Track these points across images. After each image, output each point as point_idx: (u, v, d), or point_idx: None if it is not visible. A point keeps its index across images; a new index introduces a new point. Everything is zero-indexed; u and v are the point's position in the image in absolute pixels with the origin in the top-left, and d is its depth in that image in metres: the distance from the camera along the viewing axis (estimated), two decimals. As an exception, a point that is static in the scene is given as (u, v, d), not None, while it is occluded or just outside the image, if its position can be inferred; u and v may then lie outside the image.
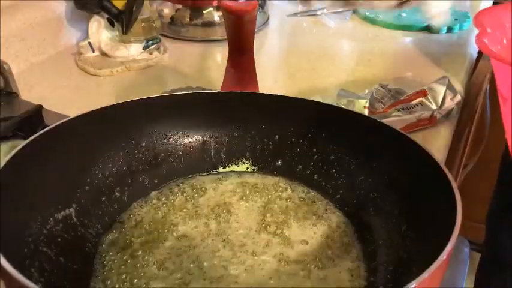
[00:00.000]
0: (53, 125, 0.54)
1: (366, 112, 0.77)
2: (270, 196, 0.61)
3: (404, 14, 1.24)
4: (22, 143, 0.49)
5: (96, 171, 0.57)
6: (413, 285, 0.35)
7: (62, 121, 0.55)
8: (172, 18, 1.12)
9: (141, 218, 0.57)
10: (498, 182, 1.03)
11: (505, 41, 0.47)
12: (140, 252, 0.52)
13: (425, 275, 0.35)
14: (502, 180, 1.01)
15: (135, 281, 0.49)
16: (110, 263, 0.51)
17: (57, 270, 0.46)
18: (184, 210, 0.58)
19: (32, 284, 0.35)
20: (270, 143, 0.64)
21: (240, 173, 0.64)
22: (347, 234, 0.55)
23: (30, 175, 0.49)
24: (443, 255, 0.37)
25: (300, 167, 0.63)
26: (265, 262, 0.51)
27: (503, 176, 1.00)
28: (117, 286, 0.48)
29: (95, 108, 0.58)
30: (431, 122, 0.79)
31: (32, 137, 0.51)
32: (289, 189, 0.62)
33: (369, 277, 0.50)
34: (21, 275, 0.36)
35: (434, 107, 0.79)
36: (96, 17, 1.00)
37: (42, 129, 0.53)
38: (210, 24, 1.11)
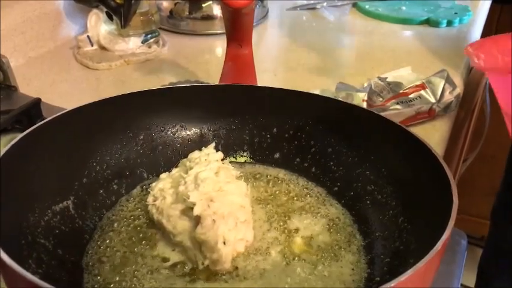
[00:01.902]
0: (51, 118, 0.54)
1: (364, 105, 0.77)
2: (272, 186, 0.61)
3: (404, 8, 1.24)
4: (19, 135, 0.50)
5: (94, 164, 0.57)
6: (409, 274, 0.35)
7: (59, 113, 0.55)
8: (171, 11, 1.12)
9: (140, 210, 0.57)
10: (506, 176, 1.03)
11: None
12: (139, 246, 0.52)
13: (420, 264, 0.36)
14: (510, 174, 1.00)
15: (136, 272, 0.49)
16: (104, 256, 0.51)
17: (54, 262, 0.46)
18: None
19: (30, 275, 0.35)
20: (268, 135, 0.64)
21: (241, 163, 0.65)
22: (347, 226, 0.55)
23: (27, 167, 0.49)
24: (438, 246, 0.37)
25: (298, 159, 0.63)
26: (271, 257, 0.51)
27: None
28: (115, 279, 0.48)
29: (92, 101, 0.58)
30: (430, 115, 0.79)
31: (30, 129, 0.51)
32: (290, 181, 0.62)
33: (367, 269, 0.50)
34: (18, 266, 0.36)
35: (433, 100, 0.79)
36: (94, 11, 0.99)
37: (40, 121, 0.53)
38: (209, 17, 1.10)
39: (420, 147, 0.51)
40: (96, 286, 0.47)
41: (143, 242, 0.53)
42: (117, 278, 0.48)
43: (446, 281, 0.52)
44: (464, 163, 1.36)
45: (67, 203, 0.53)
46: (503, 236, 1.03)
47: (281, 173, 0.63)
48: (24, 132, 0.51)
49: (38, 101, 0.73)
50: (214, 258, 0.48)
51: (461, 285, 0.59)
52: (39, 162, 0.51)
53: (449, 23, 1.17)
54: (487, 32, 1.28)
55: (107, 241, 0.53)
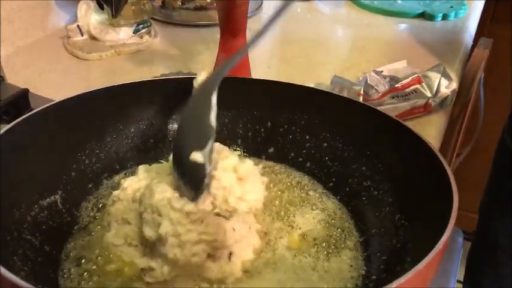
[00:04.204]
0: (38, 109, 0.52)
1: (360, 99, 0.75)
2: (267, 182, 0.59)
3: (399, 1, 1.23)
4: (6, 126, 0.48)
5: (83, 157, 0.56)
6: (409, 275, 0.34)
7: (47, 105, 0.53)
8: (163, 1, 1.10)
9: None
10: (493, 172, 1.03)
11: None
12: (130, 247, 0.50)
13: (420, 266, 0.34)
14: (497, 169, 1.00)
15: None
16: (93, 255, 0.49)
17: (41, 259, 0.45)
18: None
19: (11, 274, 0.33)
20: (262, 129, 0.63)
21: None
22: (344, 221, 0.54)
23: (13, 160, 0.47)
24: (439, 245, 0.36)
25: (293, 154, 0.62)
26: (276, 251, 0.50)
27: (499, 164, 1.00)
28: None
29: (81, 92, 0.56)
30: (425, 109, 0.78)
31: (16, 121, 0.50)
32: (286, 175, 0.60)
33: (363, 266, 0.49)
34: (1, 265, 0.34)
35: (429, 94, 0.78)
36: (85, 0, 0.97)
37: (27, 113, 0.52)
38: (202, 8, 1.09)
39: (418, 142, 0.50)
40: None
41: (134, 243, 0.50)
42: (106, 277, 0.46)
43: (443, 279, 0.52)
44: (458, 158, 1.35)
45: (55, 197, 0.51)
46: (490, 230, 1.03)
47: (276, 167, 0.62)
48: (11, 124, 0.49)
49: (25, 92, 0.71)
50: (220, 277, 0.46)
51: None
52: (25, 155, 0.50)
53: (445, 17, 1.16)
54: (482, 26, 1.27)
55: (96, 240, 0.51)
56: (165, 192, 0.47)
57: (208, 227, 0.45)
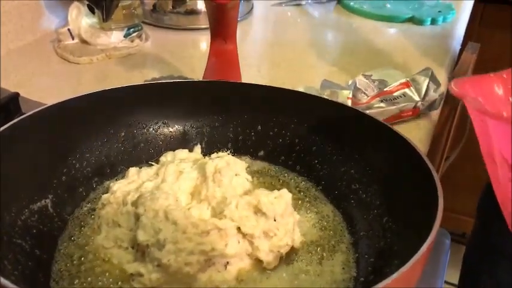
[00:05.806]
0: (29, 113, 0.52)
1: (349, 103, 0.76)
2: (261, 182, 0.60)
3: (388, 5, 1.24)
4: (-4, 131, 0.48)
5: (74, 161, 0.56)
6: (394, 277, 0.34)
7: (38, 109, 0.53)
8: (154, 5, 1.10)
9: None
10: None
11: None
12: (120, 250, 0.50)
13: (405, 268, 0.35)
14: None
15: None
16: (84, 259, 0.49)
17: (32, 263, 0.45)
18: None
19: (3, 278, 0.34)
20: (252, 133, 0.64)
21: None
22: (337, 223, 0.55)
23: (4, 164, 0.48)
24: (424, 248, 0.37)
25: (282, 157, 0.62)
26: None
27: None
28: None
29: (72, 97, 0.56)
30: (414, 113, 0.79)
31: (7, 125, 0.50)
32: (282, 176, 0.61)
33: (355, 268, 0.49)
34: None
35: (417, 98, 0.79)
36: (76, 3, 0.97)
37: (18, 117, 0.52)
38: (193, 12, 1.09)
39: (405, 146, 0.51)
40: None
41: (124, 246, 0.50)
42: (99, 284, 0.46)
43: (430, 280, 0.52)
44: (447, 160, 1.36)
45: (45, 201, 0.51)
46: (489, 233, 1.03)
47: (272, 167, 0.62)
48: (1, 128, 0.49)
49: (16, 96, 0.71)
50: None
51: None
52: (16, 159, 0.50)
53: (433, 21, 1.18)
54: (470, 30, 1.29)
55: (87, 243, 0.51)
56: (170, 199, 0.48)
57: (211, 238, 0.46)
